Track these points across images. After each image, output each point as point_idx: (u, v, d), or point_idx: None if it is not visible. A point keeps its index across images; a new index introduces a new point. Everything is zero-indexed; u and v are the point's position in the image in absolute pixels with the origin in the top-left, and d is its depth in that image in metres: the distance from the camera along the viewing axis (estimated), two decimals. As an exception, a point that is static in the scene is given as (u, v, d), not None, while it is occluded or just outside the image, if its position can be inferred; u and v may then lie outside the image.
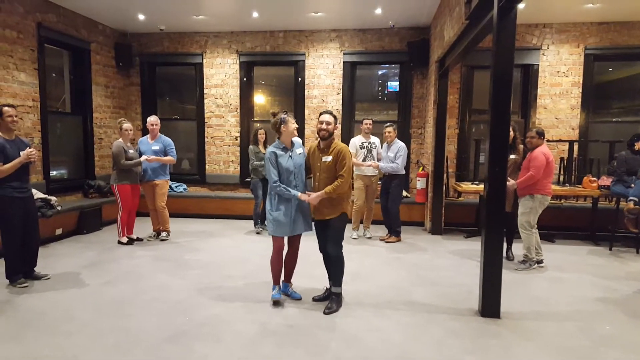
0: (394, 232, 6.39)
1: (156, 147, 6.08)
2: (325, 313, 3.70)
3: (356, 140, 6.42)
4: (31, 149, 4.27)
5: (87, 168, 7.61)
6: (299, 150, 3.90)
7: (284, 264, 4.00)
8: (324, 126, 3.72)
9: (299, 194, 3.73)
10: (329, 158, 3.71)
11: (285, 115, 3.78)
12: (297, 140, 3.98)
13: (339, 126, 3.81)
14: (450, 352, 3.07)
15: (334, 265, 3.80)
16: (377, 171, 6.35)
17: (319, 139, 3.80)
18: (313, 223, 3.94)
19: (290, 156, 3.81)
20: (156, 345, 3.12)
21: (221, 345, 3.13)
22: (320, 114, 3.79)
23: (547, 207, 5.07)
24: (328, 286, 4.00)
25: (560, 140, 7.13)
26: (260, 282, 4.42)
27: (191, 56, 8.35)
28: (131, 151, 5.88)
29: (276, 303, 3.86)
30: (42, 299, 4.00)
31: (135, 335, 3.26)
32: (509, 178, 4.79)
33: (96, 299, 4.01)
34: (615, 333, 3.41)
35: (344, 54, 7.96)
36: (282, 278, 4.02)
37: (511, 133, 5.02)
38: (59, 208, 5.94)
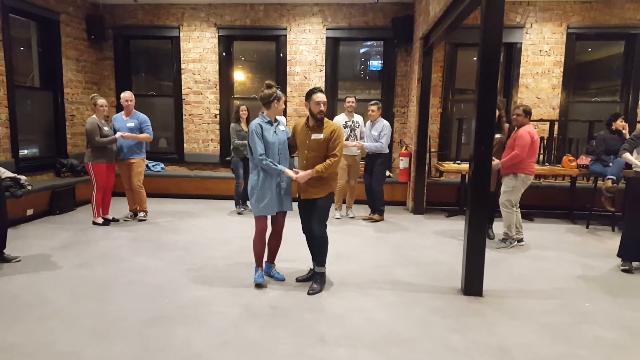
0: (378, 211, 6.36)
1: (131, 124, 5.85)
2: (309, 294, 3.65)
3: (339, 119, 6.30)
4: None
5: (59, 146, 7.31)
6: (282, 127, 3.78)
7: (267, 245, 3.91)
8: (322, 107, 3.59)
9: (286, 169, 3.63)
10: (320, 136, 3.60)
11: (278, 92, 3.67)
12: (281, 118, 3.87)
13: (326, 104, 3.67)
14: (435, 331, 3.06)
15: (318, 245, 3.74)
16: (360, 151, 6.27)
17: (308, 116, 3.68)
18: (296, 203, 3.85)
19: (275, 131, 3.68)
20: (136, 329, 3.02)
21: (203, 328, 3.05)
22: (313, 93, 3.62)
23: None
24: (312, 267, 3.95)
25: (541, 120, 7.17)
26: (243, 264, 4.34)
27: (167, 29, 8.01)
28: (106, 128, 5.65)
29: (259, 286, 3.79)
30: (13, 282, 3.83)
31: (113, 320, 3.15)
32: (493, 157, 4.77)
33: (71, 282, 3.86)
34: (595, 310, 3.46)
35: (327, 29, 7.77)
36: (264, 259, 3.94)
37: (497, 112, 4.99)
38: (29, 187, 5.68)
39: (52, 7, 6.96)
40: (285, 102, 3.86)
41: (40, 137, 7.13)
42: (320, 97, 3.60)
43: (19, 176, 5.67)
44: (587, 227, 6.12)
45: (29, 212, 5.98)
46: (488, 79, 3.52)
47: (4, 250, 4.35)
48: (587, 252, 5.03)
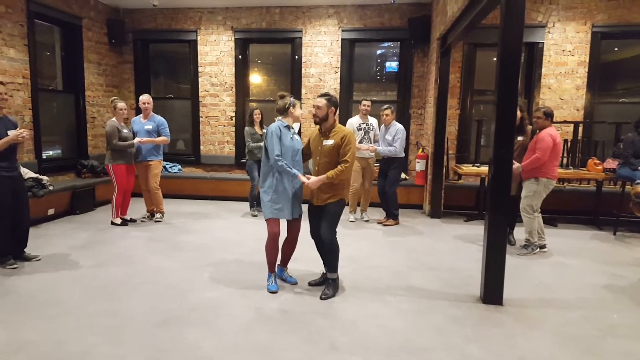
0: (392, 215, 6.26)
1: (149, 127, 5.90)
2: (321, 298, 3.58)
3: (354, 121, 6.24)
4: (24, 130, 4.10)
5: (80, 147, 7.43)
6: (297, 137, 3.78)
7: (281, 250, 3.87)
8: (314, 110, 3.62)
9: (299, 174, 3.59)
10: (331, 142, 3.55)
11: (294, 99, 3.73)
12: (295, 126, 3.89)
13: (334, 109, 3.61)
14: (452, 340, 2.96)
15: (328, 251, 3.67)
16: (374, 153, 6.19)
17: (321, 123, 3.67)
18: (306, 208, 3.80)
19: (292, 137, 3.68)
20: (146, 330, 3.01)
21: (213, 331, 3.02)
22: (317, 97, 3.65)
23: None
24: (324, 271, 3.89)
25: (564, 122, 6.95)
26: (255, 266, 4.30)
27: (185, 33, 8.08)
28: (125, 131, 5.70)
29: (272, 293, 3.73)
30: (31, 281, 3.88)
31: (124, 320, 3.15)
32: (514, 161, 4.63)
33: (86, 281, 3.89)
34: (622, 322, 3.30)
35: (343, 30, 7.71)
36: (277, 262, 3.89)
37: (518, 113, 4.82)
38: (50, 188, 5.81)
39: (74, 12, 7.09)
40: (300, 106, 3.85)
41: (63, 138, 7.27)
42: (315, 100, 3.62)
43: (41, 176, 5.80)
44: (614, 234, 5.89)
45: (50, 211, 6.09)
46: (508, 79, 3.40)
47: (25, 249, 4.42)
48: (614, 260, 4.83)
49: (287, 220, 3.75)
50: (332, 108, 3.58)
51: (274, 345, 2.85)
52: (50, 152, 6.99)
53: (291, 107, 3.69)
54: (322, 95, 3.60)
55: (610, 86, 7.45)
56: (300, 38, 7.81)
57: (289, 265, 4.03)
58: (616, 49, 7.44)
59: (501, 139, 3.45)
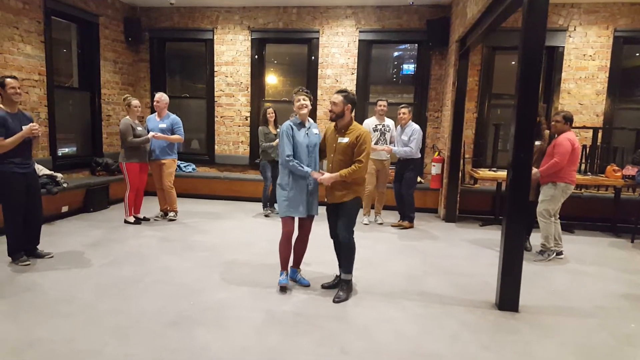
0: (407, 218, 6.18)
1: (163, 125, 5.91)
2: (334, 301, 3.54)
3: (369, 122, 6.18)
4: (34, 124, 4.11)
5: (95, 145, 7.49)
6: (315, 130, 3.72)
7: (293, 249, 3.83)
8: (330, 107, 3.58)
9: (312, 171, 3.55)
10: (346, 139, 3.51)
11: (295, 93, 3.64)
12: (312, 121, 3.83)
13: (350, 106, 3.57)
14: (466, 348, 2.89)
15: (344, 251, 3.63)
16: (389, 155, 6.12)
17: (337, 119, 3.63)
18: (325, 207, 3.76)
19: (307, 133, 3.63)
20: (156, 330, 2.99)
21: (224, 332, 2.99)
22: (334, 93, 3.60)
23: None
24: (338, 273, 3.84)
25: (584, 127, 6.81)
26: (268, 267, 4.27)
27: (201, 32, 8.11)
28: (139, 128, 5.72)
29: (283, 289, 3.71)
30: (44, 278, 3.89)
31: (135, 319, 3.14)
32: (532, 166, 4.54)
33: (98, 279, 3.89)
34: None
35: (360, 32, 7.66)
36: (290, 264, 3.86)
37: (537, 118, 4.72)
38: (64, 185, 5.85)
39: (91, 9, 7.15)
40: (312, 103, 3.76)
41: (77, 136, 7.33)
42: (332, 97, 3.57)
43: (55, 174, 5.84)
44: (632, 242, 5.75)
45: (64, 209, 6.13)
46: (528, 83, 3.32)
47: (38, 246, 4.44)
48: (632, 268, 4.70)
49: (300, 219, 3.72)
50: (349, 105, 3.53)
51: (284, 348, 2.81)
52: (65, 150, 7.05)
53: (293, 102, 3.65)
54: (339, 92, 3.55)
55: (631, 92, 7.28)
56: (317, 39, 7.78)
57: (301, 267, 3.99)
58: (638, 54, 7.26)
59: (520, 143, 3.37)
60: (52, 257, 4.44)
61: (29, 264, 4.19)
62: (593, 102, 7.07)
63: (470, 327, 3.19)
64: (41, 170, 5.71)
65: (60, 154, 6.73)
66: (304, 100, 3.60)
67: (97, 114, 7.46)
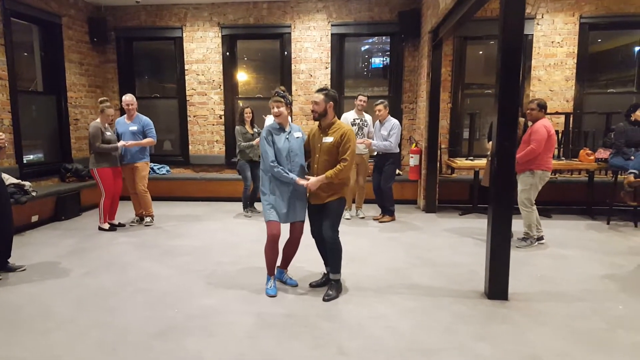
0: (388, 211, 6.18)
1: (134, 128, 5.71)
2: (324, 300, 3.48)
3: (348, 116, 6.13)
4: (0, 133, 3.89)
5: (63, 151, 7.19)
6: (297, 134, 3.62)
7: (282, 252, 3.75)
8: (312, 107, 3.49)
9: (297, 178, 3.46)
10: (330, 139, 3.44)
11: (271, 99, 3.53)
12: (294, 124, 3.74)
13: (332, 103, 3.50)
14: (462, 339, 2.88)
15: (331, 251, 3.56)
16: (368, 149, 6.10)
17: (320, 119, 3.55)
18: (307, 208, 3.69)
19: (287, 138, 3.53)
20: (144, 342, 2.87)
21: (215, 340, 2.89)
22: (314, 92, 3.52)
23: (542, 182, 4.91)
24: (325, 271, 3.78)
25: (556, 113, 6.94)
26: (254, 269, 4.18)
27: (170, 30, 7.87)
28: (108, 133, 5.50)
29: (272, 297, 3.61)
30: (17, 292, 3.69)
31: (120, 332, 3.00)
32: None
33: (77, 291, 3.71)
34: (629, 313, 3.27)
35: (332, 25, 7.59)
36: (277, 263, 3.77)
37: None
38: (33, 194, 5.58)
39: (53, 10, 6.83)
40: (284, 105, 3.62)
41: (45, 142, 7.02)
42: (313, 96, 3.48)
43: (22, 182, 5.56)
44: (607, 223, 5.91)
45: (34, 218, 5.86)
46: (510, 71, 3.34)
47: (9, 260, 4.21)
48: (611, 249, 4.83)
49: (291, 223, 3.63)
50: (331, 103, 3.46)
51: (280, 352, 2.74)
52: (32, 157, 6.74)
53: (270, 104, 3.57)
54: (319, 90, 3.48)
55: (598, 77, 7.48)
56: (289, 33, 7.66)
57: (288, 267, 3.92)
58: (599, 40, 7.44)
59: (504, 132, 3.38)
60: (24, 270, 4.22)
61: (0, 279, 3.96)
62: (563, 88, 7.23)
63: (462, 318, 3.19)
64: (8, 179, 5.42)
65: (25, 162, 6.42)
66: (277, 108, 3.50)
67: (64, 118, 7.15)
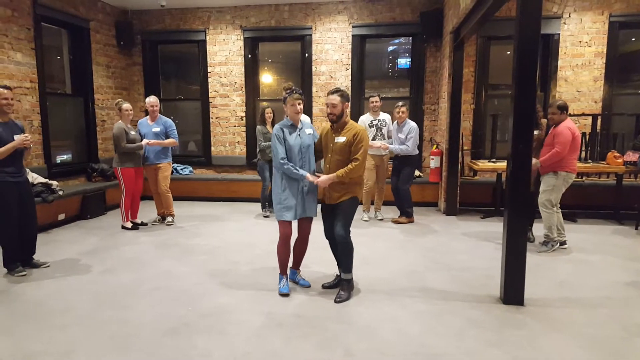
0: (405, 213, 6.12)
1: (157, 129, 5.84)
2: (336, 302, 3.48)
3: (365, 119, 6.11)
4: (27, 135, 4.05)
5: (90, 151, 7.42)
6: (308, 130, 3.63)
7: (292, 251, 3.77)
8: (329, 109, 3.46)
9: (308, 174, 3.48)
10: (343, 139, 3.44)
11: (288, 96, 3.52)
12: (306, 120, 3.75)
13: (347, 104, 3.50)
14: (472, 345, 2.83)
15: (342, 251, 3.55)
16: (387, 151, 6.06)
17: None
18: (319, 207, 3.69)
19: (299, 135, 3.55)
20: (156, 338, 2.93)
21: (225, 338, 2.93)
22: (328, 94, 3.50)
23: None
24: (338, 273, 3.78)
25: (582, 114, 6.73)
26: (268, 269, 4.21)
27: (194, 33, 8.03)
28: (132, 132, 5.65)
29: (283, 296, 3.63)
30: (40, 288, 3.83)
31: (134, 328, 3.08)
32: (531, 155, 4.47)
33: (96, 288, 3.83)
34: (650, 322, 3.14)
35: (353, 27, 7.58)
36: (290, 264, 3.79)
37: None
38: (60, 193, 5.78)
39: (82, 14, 7.07)
40: (307, 100, 3.67)
41: (72, 142, 7.26)
42: (329, 99, 3.46)
43: (50, 181, 5.77)
44: (636, 229, 5.69)
45: (61, 216, 6.06)
46: (525, 72, 3.26)
47: (34, 256, 4.38)
48: (637, 256, 4.64)
49: (299, 220, 3.65)
50: (347, 103, 3.47)
51: (287, 352, 2.75)
52: (62, 157, 6.99)
53: (284, 104, 3.57)
54: (334, 92, 3.46)
55: (628, 77, 7.21)
56: (310, 35, 7.70)
57: (301, 268, 3.93)
58: (633, 39, 7.18)
59: (520, 134, 3.31)
60: (48, 266, 4.38)
61: (24, 275, 4.12)
62: (591, 88, 7.00)
63: (475, 323, 3.13)
64: (36, 178, 5.65)
65: (58, 161, 6.67)
66: (299, 105, 3.51)
67: (91, 120, 7.39)
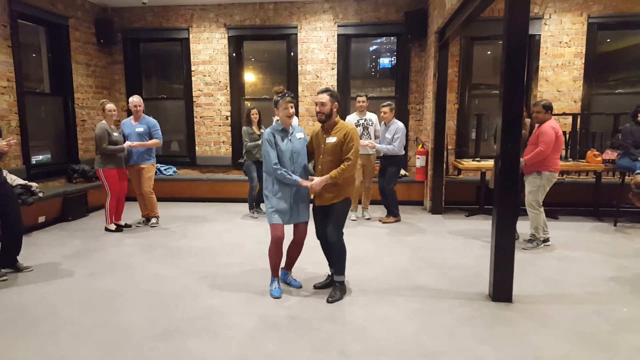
0: (391, 213, 6.16)
1: (140, 129, 5.73)
2: (328, 301, 3.48)
3: (351, 118, 6.12)
4: (11, 139, 3.93)
5: (70, 152, 7.24)
6: (299, 134, 3.61)
7: (286, 253, 3.75)
8: (318, 108, 3.44)
9: (300, 179, 3.46)
10: (334, 139, 3.43)
11: (280, 99, 3.47)
12: (296, 124, 3.73)
13: (337, 103, 3.49)
14: (464, 342, 2.87)
15: (336, 253, 3.55)
16: (374, 150, 6.08)
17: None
18: (311, 208, 3.67)
19: (290, 140, 3.52)
20: (147, 343, 2.88)
21: (218, 341, 2.90)
22: (318, 93, 3.49)
23: (549, 183, 4.87)
24: (329, 273, 3.78)
25: (563, 114, 6.87)
26: (258, 270, 4.18)
27: (176, 31, 7.91)
28: (115, 134, 5.53)
29: (275, 298, 3.61)
30: (23, 293, 3.73)
31: (123, 333, 3.02)
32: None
33: (81, 292, 3.74)
34: (634, 315, 3.23)
35: (338, 26, 7.58)
36: (282, 265, 3.77)
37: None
38: (40, 194, 5.61)
39: (60, 11, 6.89)
40: (292, 104, 3.59)
41: (52, 143, 7.08)
42: (317, 98, 3.46)
43: (29, 183, 5.61)
44: (614, 225, 5.84)
45: (41, 219, 5.91)
46: (514, 72, 3.31)
47: (17, 258, 4.25)
48: (618, 251, 4.77)
49: (294, 224, 3.63)
50: (336, 103, 3.46)
51: (281, 354, 2.74)
52: (40, 157, 6.80)
53: (275, 107, 3.52)
54: (323, 91, 3.46)
55: (606, 77, 7.40)
56: (296, 34, 7.67)
57: (292, 269, 3.92)
58: (608, 40, 7.37)
59: (508, 133, 3.36)
60: (31, 270, 4.26)
61: (6, 279, 4.00)
62: (570, 88, 7.16)
63: (466, 321, 3.17)
64: (15, 180, 5.48)
65: (34, 162, 6.48)
66: (291, 108, 3.50)
67: (72, 120, 7.21)
